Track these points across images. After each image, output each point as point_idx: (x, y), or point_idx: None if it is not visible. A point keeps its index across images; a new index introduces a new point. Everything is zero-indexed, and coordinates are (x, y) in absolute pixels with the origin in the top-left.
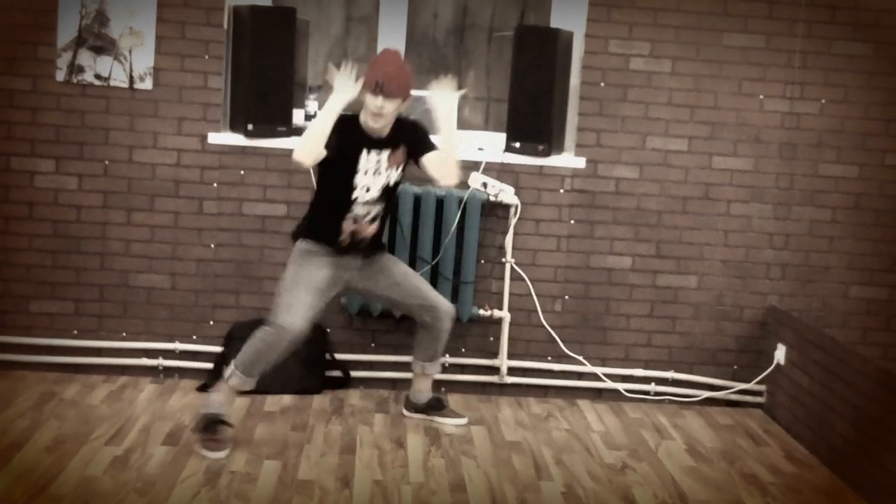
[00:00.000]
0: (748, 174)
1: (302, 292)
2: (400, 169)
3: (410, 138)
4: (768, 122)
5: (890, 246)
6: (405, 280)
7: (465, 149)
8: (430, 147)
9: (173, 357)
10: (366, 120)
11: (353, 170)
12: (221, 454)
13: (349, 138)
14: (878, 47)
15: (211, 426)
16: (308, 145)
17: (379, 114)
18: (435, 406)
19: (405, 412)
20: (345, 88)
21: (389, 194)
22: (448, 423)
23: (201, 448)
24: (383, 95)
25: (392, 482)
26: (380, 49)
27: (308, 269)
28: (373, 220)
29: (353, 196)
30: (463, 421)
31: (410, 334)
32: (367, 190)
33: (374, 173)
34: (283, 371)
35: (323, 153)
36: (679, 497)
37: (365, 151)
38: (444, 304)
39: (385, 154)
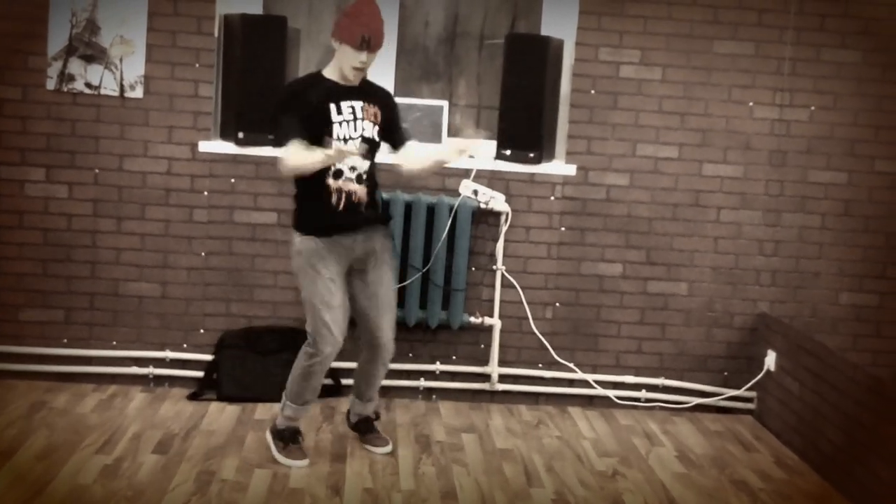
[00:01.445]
0: (738, 181)
1: (326, 308)
2: (375, 127)
3: (384, 105)
4: (758, 129)
5: (879, 252)
6: (379, 283)
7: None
8: (401, 130)
9: (164, 366)
10: (339, 72)
11: (327, 121)
12: (303, 462)
13: (315, 94)
14: (866, 54)
15: (290, 436)
16: (296, 169)
17: (362, 68)
18: (363, 428)
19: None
20: (343, 158)
21: (372, 149)
22: (372, 450)
23: (284, 458)
24: (369, 50)
25: (383, 490)
26: None
27: (321, 278)
28: (359, 179)
29: (332, 147)
30: (386, 449)
31: (401, 342)
32: (347, 140)
33: (349, 122)
34: (274, 379)
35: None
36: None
37: (334, 103)
38: (385, 344)
39: (359, 104)
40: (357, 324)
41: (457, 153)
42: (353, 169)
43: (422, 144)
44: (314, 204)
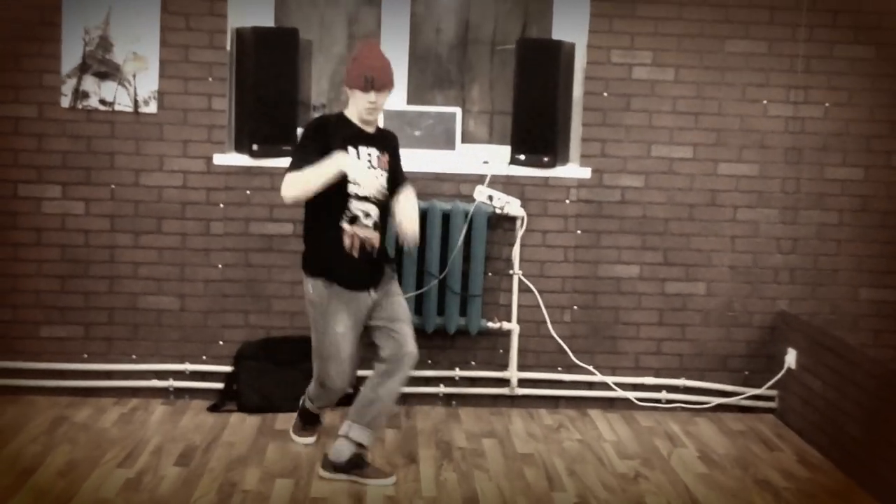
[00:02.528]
0: (754, 180)
1: (333, 356)
2: (385, 175)
3: (392, 149)
4: (773, 127)
5: None
6: (396, 315)
7: (471, 162)
8: (400, 172)
9: (184, 378)
10: (357, 116)
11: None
12: (306, 439)
13: (340, 134)
14: (880, 49)
15: (355, 461)
16: (297, 191)
17: (373, 108)
18: (357, 464)
19: (321, 472)
20: (347, 168)
21: (384, 199)
22: (373, 484)
23: (367, 479)
24: (375, 90)
25: (405, 497)
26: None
27: (330, 326)
28: (375, 226)
29: (349, 191)
30: (390, 481)
31: (420, 349)
32: (360, 187)
33: (366, 168)
34: (293, 389)
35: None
36: None
37: (354, 147)
38: (410, 344)
39: (375, 153)
40: (379, 345)
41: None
42: (367, 215)
43: (411, 194)
44: (326, 246)
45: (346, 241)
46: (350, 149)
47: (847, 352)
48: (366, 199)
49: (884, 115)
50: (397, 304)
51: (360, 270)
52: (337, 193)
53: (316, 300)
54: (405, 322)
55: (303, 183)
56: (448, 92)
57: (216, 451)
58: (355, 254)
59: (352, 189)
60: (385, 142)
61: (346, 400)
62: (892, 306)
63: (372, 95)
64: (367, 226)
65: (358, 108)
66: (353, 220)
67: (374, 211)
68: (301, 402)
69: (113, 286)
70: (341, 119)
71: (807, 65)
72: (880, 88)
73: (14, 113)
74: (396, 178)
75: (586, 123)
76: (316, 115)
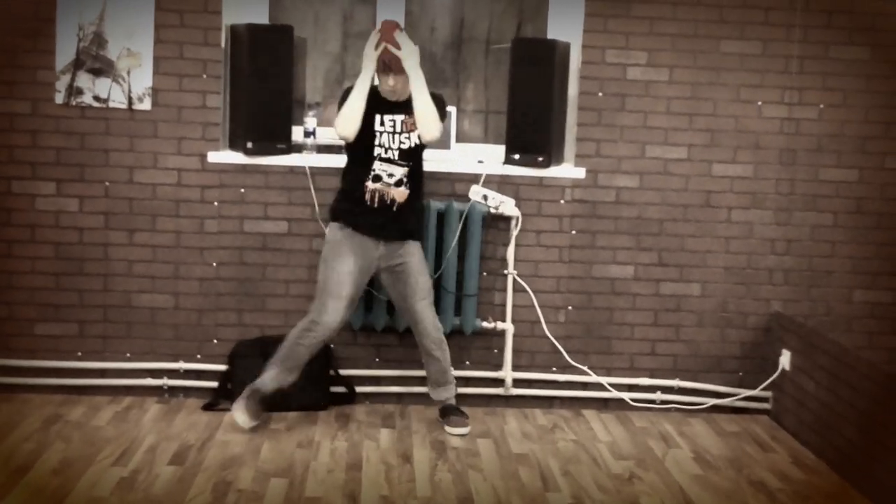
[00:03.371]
0: (748, 181)
1: (334, 292)
2: (416, 134)
3: None
4: (767, 128)
5: (893, 249)
6: (412, 293)
7: (465, 161)
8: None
9: (178, 376)
10: (383, 89)
11: (370, 132)
12: (246, 420)
13: (368, 102)
14: (875, 50)
15: (254, 396)
16: (347, 119)
17: (392, 90)
18: (441, 413)
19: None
20: (370, 63)
21: (411, 158)
22: (446, 431)
23: (236, 410)
24: (393, 73)
25: (399, 497)
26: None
27: (337, 264)
28: (398, 183)
29: (374, 153)
30: (459, 431)
31: (415, 348)
32: (386, 150)
33: (390, 134)
34: (288, 388)
35: (359, 125)
36: None
37: (378, 115)
38: (428, 326)
39: (399, 118)
40: (407, 321)
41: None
42: (391, 175)
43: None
44: (350, 197)
45: (367, 196)
46: (377, 116)
47: (841, 353)
48: (389, 160)
49: (878, 117)
50: (414, 281)
51: (375, 218)
52: (365, 155)
53: (330, 239)
54: (420, 300)
55: (348, 110)
56: (443, 91)
57: (210, 449)
58: (374, 204)
59: (377, 152)
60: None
61: (344, 399)
62: (886, 308)
63: (390, 79)
64: (388, 183)
65: (381, 86)
66: (377, 179)
67: (398, 172)
68: (251, 388)
69: (107, 284)
70: (372, 91)
71: (801, 66)
72: (875, 90)
73: (8, 109)
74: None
75: (581, 123)
76: (311, 112)
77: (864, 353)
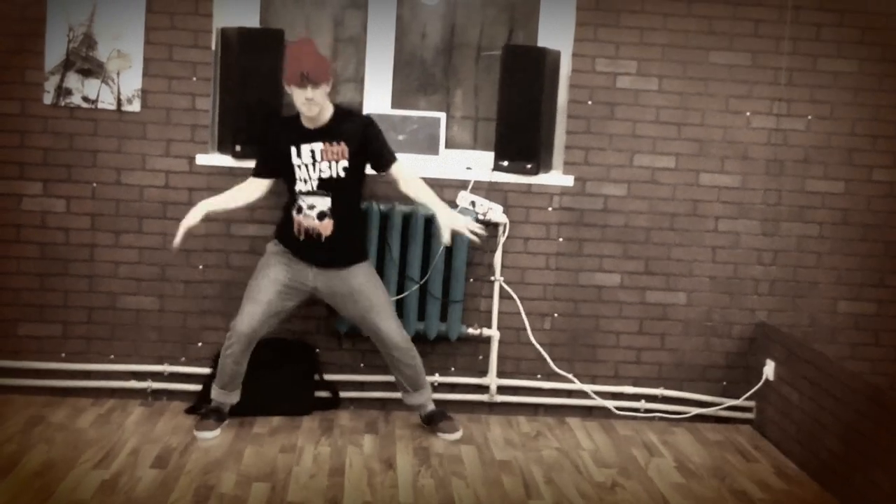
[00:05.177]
0: (735, 191)
1: (253, 297)
2: (340, 164)
3: (359, 135)
4: (755, 138)
5: (877, 261)
6: (365, 311)
7: (454, 167)
8: (383, 153)
9: (162, 379)
10: (301, 113)
11: (289, 164)
12: (207, 434)
13: (281, 135)
14: (862, 64)
15: (209, 413)
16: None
17: (311, 102)
18: (428, 420)
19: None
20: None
21: (335, 189)
22: (440, 437)
23: (197, 429)
24: (311, 85)
25: (382, 503)
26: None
27: (264, 272)
28: (321, 216)
29: (296, 188)
30: (453, 436)
31: None
32: (305, 182)
33: (308, 166)
34: (271, 392)
35: (258, 189)
36: None
37: (294, 147)
38: (393, 338)
39: (318, 146)
40: (371, 338)
41: (460, 226)
42: (311, 207)
43: (415, 170)
44: (285, 225)
45: (295, 227)
46: (293, 149)
47: (825, 364)
48: (310, 193)
49: (865, 130)
50: (364, 299)
51: (305, 251)
52: (289, 189)
53: (265, 253)
54: (375, 315)
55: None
56: (432, 97)
57: (193, 453)
58: (301, 237)
59: (298, 186)
60: (339, 131)
61: (328, 405)
62: (871, 319)
63: (308, 91)
64: (310, 216)
65: (298, 104)
66: (300, 210)
67: (320, 202)
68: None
69: (92, 285)
70: (292, 120)
71: (790, 77)
72: (862, 103)
73: None
74: (380, 160)
75: (570, 131)
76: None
77: (848, 364)
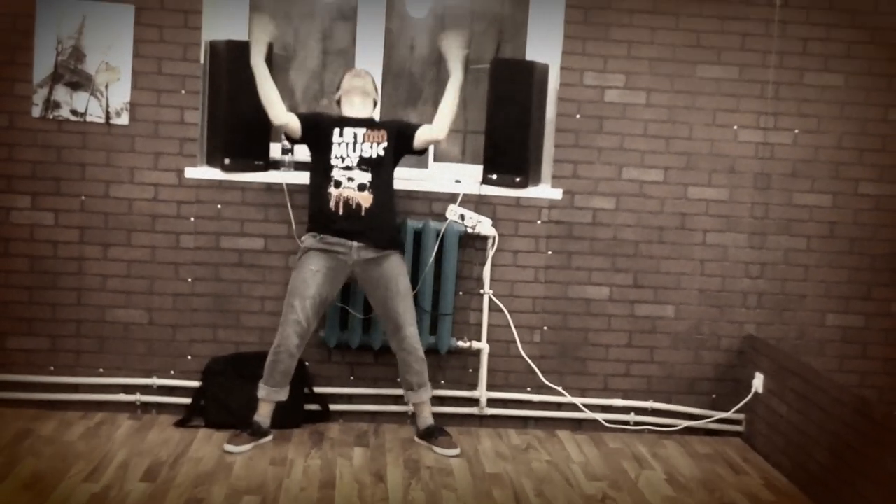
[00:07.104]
0: (723, 204)
1: (300, 292)
2: (381, 146)
3: (392, 126)
4: (743, 152)
5: (865, 273)
6: (391, 298)
7: (443, 180)
8: (412, 125)
9: (151, 392)
10: (348, 103)
11: (328, 140)
12: (238, 448)
13: (325, 117)
14: (849, 78)
15: (255, 430)
16: (267, 104)
17: (362, 90)
18: (426, 435)
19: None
20: (257, 36)
21: (374, 167)
22: (437, 452)
23: (227, 443)
24: (359, 77)
25: None
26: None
27: (305, 266)
28: (361, 187)
29: (331, 163)
30: (450, 452)
31: (389, 367)
32: (343, 159)
33: (349, 144)
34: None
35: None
36: None
37: (338, 129)
38: (409, 329)
39: (361, 131)
40: (384, 328)
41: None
42: (350, 180)
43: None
44: (317, 206)
45: (332, 202)
46: (336, 129)
47: (813, 377)
48: (349, 167)
49: (852, 143)
50: (394, 285)
51: (345, 224)
52: (324, 166)
53: (302, 247)
54: (401, 300)
55: (262, 95)
56: (421, 109)
57: (183, 466)
58: (340, 210)
59: (334, 162)
60: (380, 123)
61: (319, 417)
62: (858, 332)
63: (357, 80)
64: (350, 187)
65: (348, 95)
66: (338, 184)
67: (359, 176)
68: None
69: (81, 298)
70: (337, 113)
71: (777, 91)
72: (849, 116)
73: None
74: (409, 130)
75: (558, 144)
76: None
77: (836, 377)
